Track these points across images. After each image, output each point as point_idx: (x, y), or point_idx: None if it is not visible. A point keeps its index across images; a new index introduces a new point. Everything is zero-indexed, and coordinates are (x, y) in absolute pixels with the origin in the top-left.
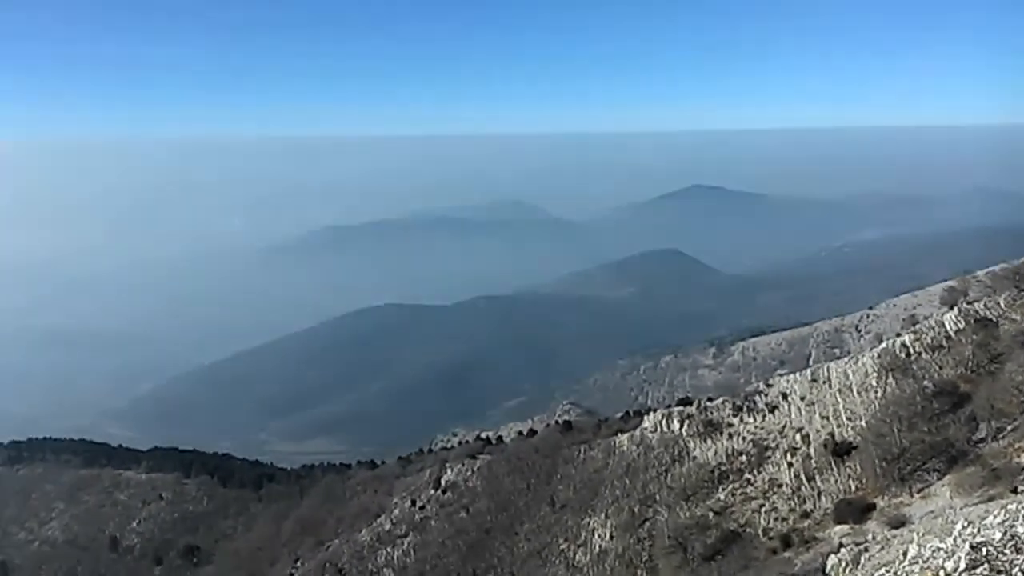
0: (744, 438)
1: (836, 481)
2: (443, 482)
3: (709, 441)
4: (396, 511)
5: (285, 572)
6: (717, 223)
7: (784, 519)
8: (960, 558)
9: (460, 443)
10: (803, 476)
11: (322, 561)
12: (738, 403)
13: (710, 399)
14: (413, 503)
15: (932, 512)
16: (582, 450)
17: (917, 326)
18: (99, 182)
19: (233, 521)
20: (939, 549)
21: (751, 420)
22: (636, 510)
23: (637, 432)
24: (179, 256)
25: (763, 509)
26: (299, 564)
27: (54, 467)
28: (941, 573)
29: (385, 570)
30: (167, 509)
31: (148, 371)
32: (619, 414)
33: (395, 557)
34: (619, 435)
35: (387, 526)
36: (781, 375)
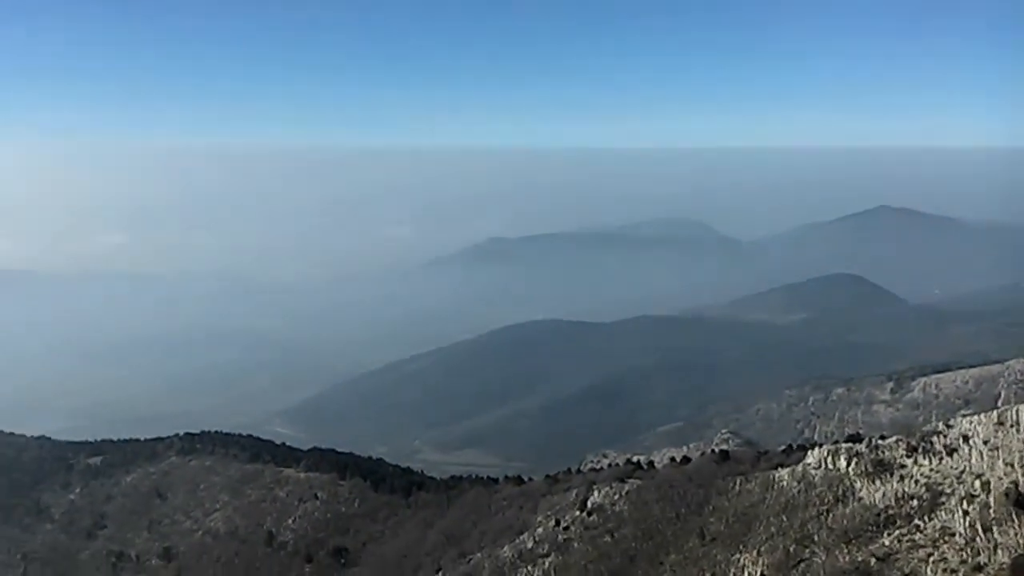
0: (917, 481)
1: (1016, 534)
2: (589, 504)
3: (878, 482)
4: (540, 529)
5: None
6: (904, 248)
7: (954, 571)
8: None
9: (610, 465)
10: (979, 526)
11: (463, 573)
12: (913, 443)
13: (883, 437)
14: (557, 523)
15: None
16: (738, 482)
17: None
18: (278, 187)
19: (382, 525)
20: None
21: (926, 462)
22: (791, 550)
23: (799, 467)
24: (347, 263)
25: (931, 559)
26: (441, 574)
27: (222, 460)
28: None
29: None
30: (321, 509)
31: (314, 375)
32: (781, 447)
33: None
34: (779, 469)
35: (529, 544)
36: (964, 415)
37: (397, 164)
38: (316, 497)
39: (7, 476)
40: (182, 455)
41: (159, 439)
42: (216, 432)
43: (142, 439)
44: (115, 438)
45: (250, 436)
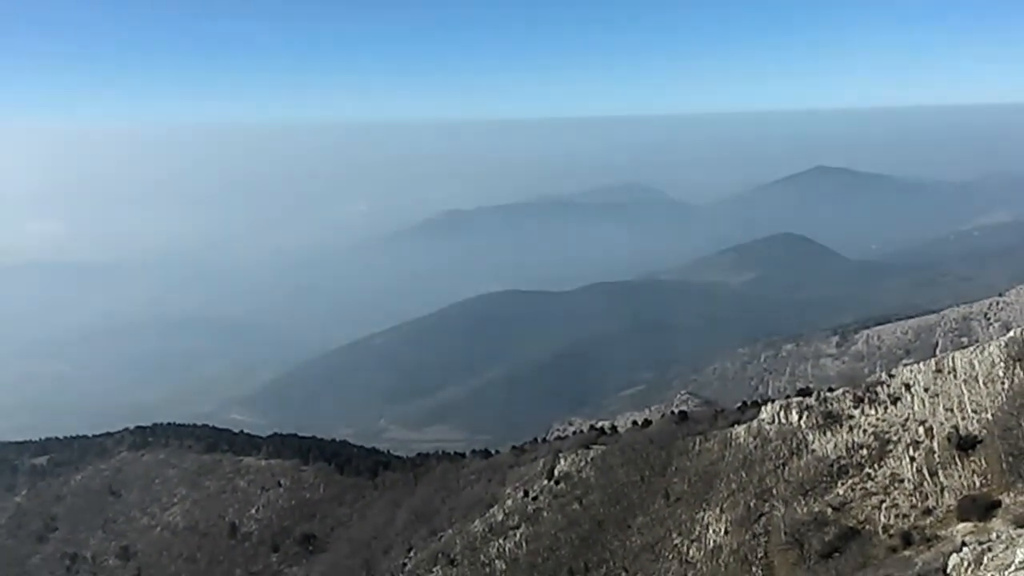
0: (865, 431)
1: (960, 477)
2: (556, 472)
3: (828, 434)
4: (509, 502)
5: (399, 561)
6: (842, 206)
7: (905, 516)
8: None
9: (575, 432)
10: (926, 471)
11: (435, 551)
12: (859, 394)
13: (830, 390)
14: (526, 494)
15: None
16: (697, 441)
17: None
18: (227, 169)
19: (349, 508)
20: None
21: (872, 412)
22: (752, 505)
23: (754, 423)
24: (303, 242)
25: (883, 505)
26: (412, 553)
27: (177, 453)
28: None
29: (497, 562)
30: (285, 496)
31: (273, 358)
32: (737, 404)
33: (507, 549)
34: (736, 426)
35: (499, 517)
36: (906, 365)
37: (343, 140)
38: (279, 484)
39: None
40: (134, 450)
41: (108, 434)
42: (169, 424)
43: (90, 435)
44: (61, 436)
45: (206, 426)
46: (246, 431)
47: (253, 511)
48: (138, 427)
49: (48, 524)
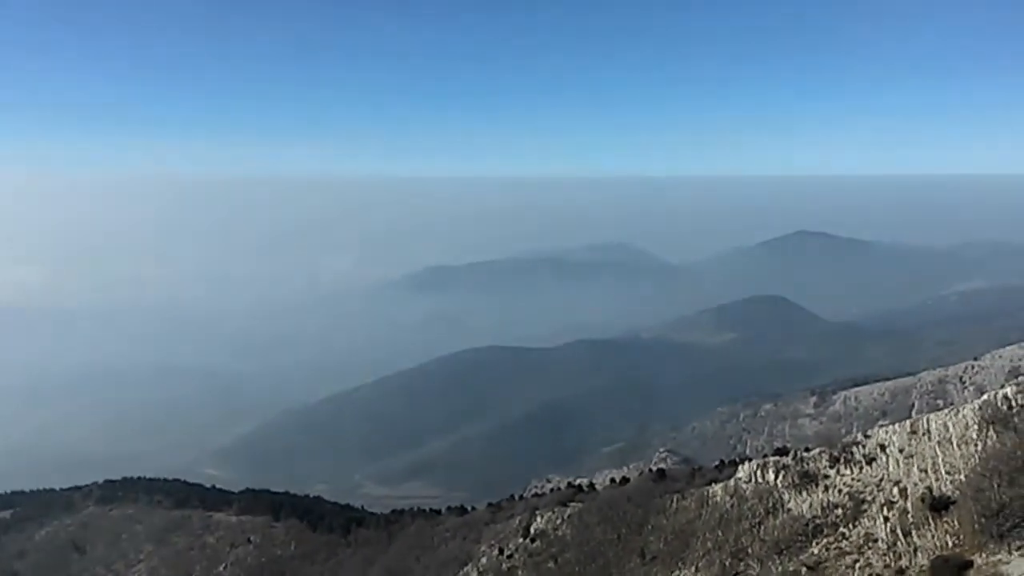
0: (840, 491)
1: (933, 537)
2: (532, 530)
3: (804, 493)
4: (484, 559)
5: None
6: (822, 270)
7: (879, 575)
8: None
9: (552, 490)
10: (899, 531)
11: None
12: (835, 454)
13: (807, 449)
14: (501, 551)
15: None
16: (675, 500)
17: (1021, 378)
18: (211, 218)
19: (320, 567)
20: None
21: (848, 472)
22: (728, 564)
23: (731, 482)
24: (287, 294)
25: (857, 565)
26: None
27: (146, 508)
28: None
29: None
30: (255, 553)
31: (252, 409)
32: (715, 463)
33: None
34: (713, 485)
35: (474, 575)
36: (881, 426)
37: (328, 194)
38: (249, 541)
39: None
40: (101, 504)
41: (76, 488)
42: (139, 478)
43: (58, 489)
44: (29, 488)
45: (177, 480)
46: (218, 486)
47: (221, 568)
48: (107, 481)
49: None
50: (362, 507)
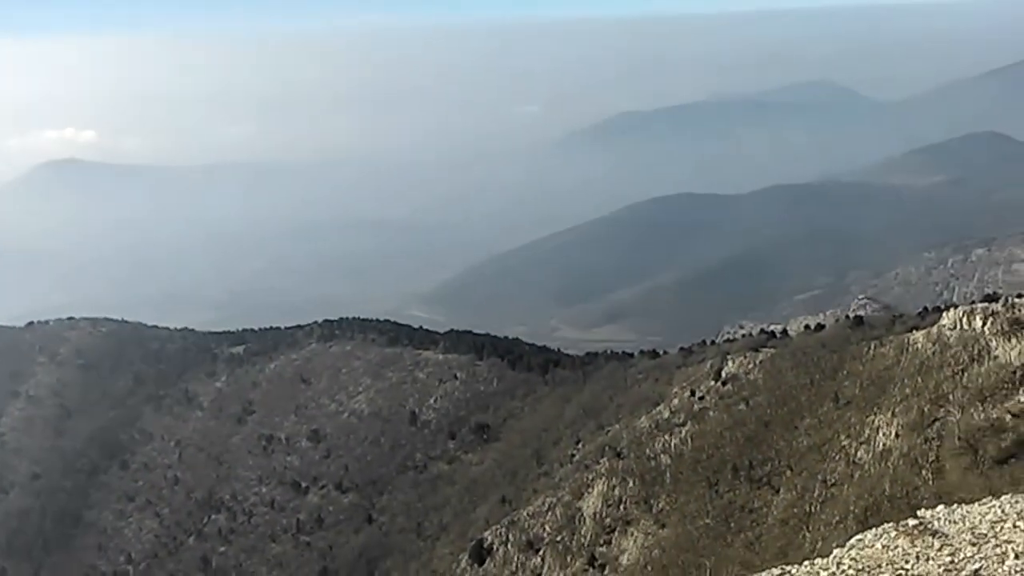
0: None
1: None
2: (723, 374)
3: (1014, 340)
4: (675, 400)
5: (567, 452)
6: None
7: None
8: None
9: (746, 336)
10: None
11: (601, 444)
12: None
13: (1019, 296)
14: (692, 393)
15: None
16: (872, 346)
17: None
18: (416, 71)
19: (520, 402)
20: None
21: None
22: (926, 410)
23: (934, 329)
24: (478, 144)
25: None
26: (580, 445)
27: (362, 345)
28: None
29: (662, 456)
30: (461, 388)
31: (449, 258)
32: (918, 311)
33: (672, 444)
34: (914, 332)
35: (665, 414)
36: None
37: (516, 39)
38: (455, 377)
39: (155, 367)
40: (322, 342)
41: (299, 327)
42: (354, 318)
43: (282, 327)
44: (255, 327)
45: (388, 321)
46: (424, 327)
47: (432, 401)
48: (326, 320)
49: (246, 408)
50: (558, 349)
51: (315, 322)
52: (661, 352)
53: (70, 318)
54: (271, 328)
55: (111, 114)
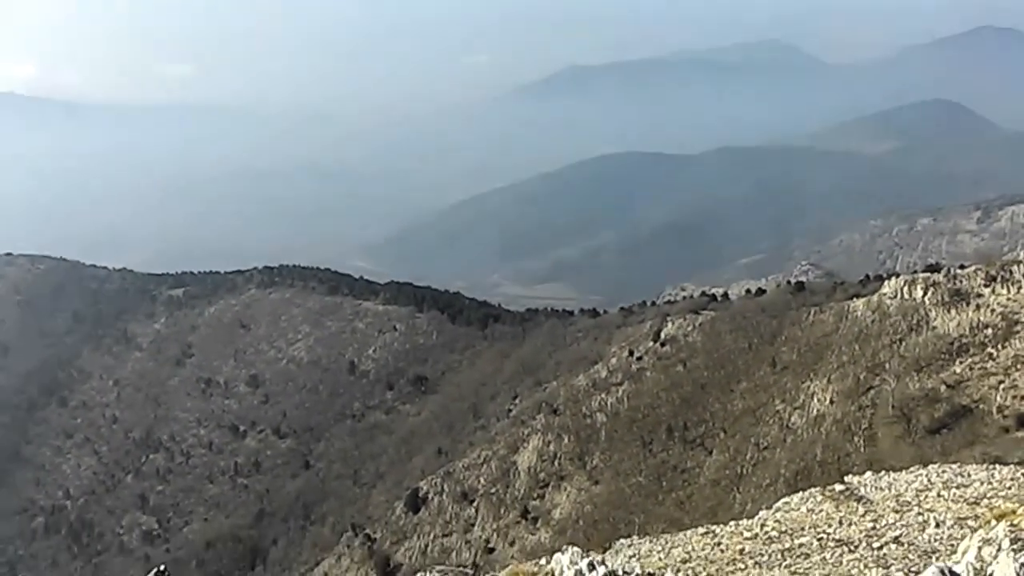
0: (993, 310)
1: None
2: (663, 335)
3: (953, 312)
4: (613, 360)
5: (504, 407)
6: (1006, 71)
7: (1023, 398)
8: None
9: (687, 298)
10: None
11: (538, 400)
12: (993, 272)
13: (962, 267)
14: (631, 353)
15: None
16: (812, 312)
17: None
18: (365, 18)
19: (459, 356)
20: None
21: (1004, 291)
22: (862, 377)
23: (874, 297)
24: (425, 92)
25: (1001, 386)
26: (517, 401)
27: (301, 293)
28: None
29: (597, 414)
30: (400, 340)
31: (392, 209)
32: (860, 278)
33: (608, 403)
34: (855, 299)
35: (603, 373)
36: None
37: None
38: (395, 329)
39: (93, 307)
40: (262, 288)
41: (239, 272)
42: (295, 266)
43: (222, 272)
44: (193, 271)
45: (328, 270)
46: (365, 277)
47: (370, 351)
48: (266, 267)
49: (185, 351)
50: (498, 304)
51: (255, 268)
52: (601, 311)
53: (7, 254)
54: (210, 272)
55: (52, 47)
